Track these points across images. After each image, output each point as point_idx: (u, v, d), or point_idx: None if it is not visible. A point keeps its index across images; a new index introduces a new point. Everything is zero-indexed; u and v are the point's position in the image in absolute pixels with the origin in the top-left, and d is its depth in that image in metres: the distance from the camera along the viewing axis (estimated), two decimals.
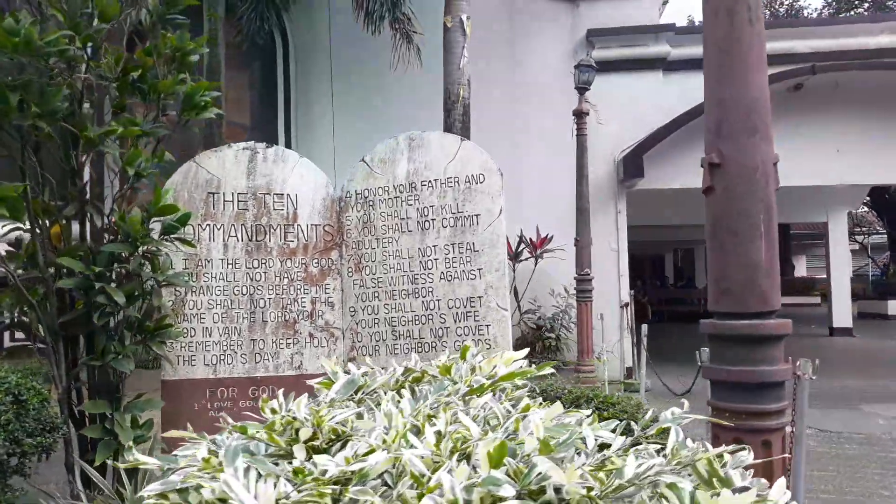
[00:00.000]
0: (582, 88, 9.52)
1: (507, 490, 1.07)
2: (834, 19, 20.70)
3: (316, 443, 1.36)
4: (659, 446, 1.60)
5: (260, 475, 1.20)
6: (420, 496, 1.08)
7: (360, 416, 1.47)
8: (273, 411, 1.48)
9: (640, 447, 1.55)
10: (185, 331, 3.82)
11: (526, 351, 1.82)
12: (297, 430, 1.37)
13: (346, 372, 1.81)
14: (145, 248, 3.42)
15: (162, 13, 3.67)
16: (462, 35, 9.43)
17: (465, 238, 4.14)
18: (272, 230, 4.12)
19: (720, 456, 1.48)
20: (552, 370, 1.79)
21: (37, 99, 3.13)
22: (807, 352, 12.97)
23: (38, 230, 3.33)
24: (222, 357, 3.88)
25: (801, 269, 33.79)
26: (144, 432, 3.35)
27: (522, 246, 10.12)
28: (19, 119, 3.13)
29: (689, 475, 1.34)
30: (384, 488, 1.16)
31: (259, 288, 4.01)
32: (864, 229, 32.29)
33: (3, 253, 3.38)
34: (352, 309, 4.22)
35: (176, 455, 1.46)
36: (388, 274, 4.20)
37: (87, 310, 3.31)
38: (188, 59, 3.81)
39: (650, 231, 21.13)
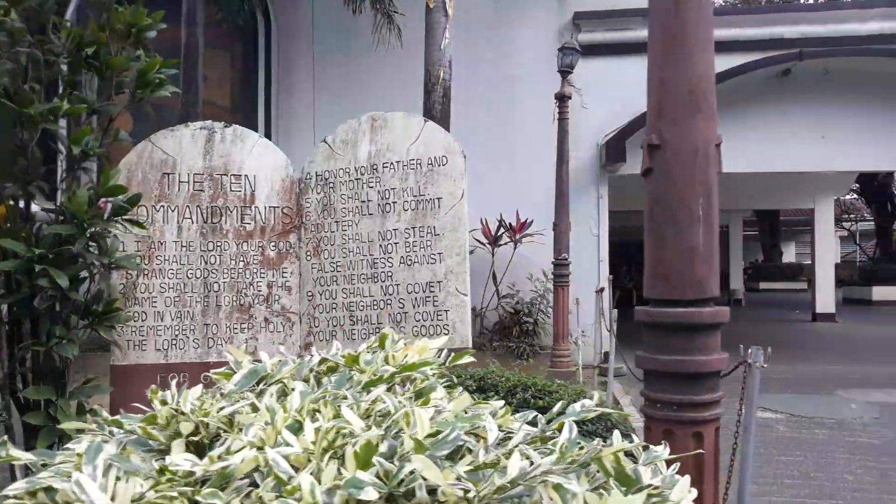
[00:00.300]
0: (565, 72, 9.40)
1: (370, 493, 1.00)
2: (824, 4, 20.54)
3: (198, 437, 1.29)
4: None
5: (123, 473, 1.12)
6: (278, 498, 1.01)
7: (255, 408, 1.40)
8: (163, 402, 1.41)
9: (553, 441, 1.49)
10: (135, 315, 3.74)
11: (444, 339, 1.75)
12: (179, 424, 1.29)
13: (300, 357, 1.75)
14: (93, 229, 3.33)
15: None
16: (444, 16, 9.30)
17: (427, 221, 4.06)
18: (228, 212, 4.03)
19: (628, 453, 1.42)
20: (471, 359, 1.73)
21: None
22: (788, 337, 12.97)
23: None
24: (174, 342, 3.80)
25: (789, 255, 33.83)
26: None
27: (502, 230, 10.04)
28: None
29: (591, 473, 1.27)
30: (250, 489, 1.10)
31: (214, 271, 3.93)
32: (852, 216, 32.33)
33: None
34: (309, 293, 4.14)
35: (67, 448, 1.39)
36: (348, 258, 4.13)
37: (31, 293, 3.23)
38: (144, 36, 3.71)
39: (638, 216, 21.07)
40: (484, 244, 10.06)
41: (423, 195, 4.07)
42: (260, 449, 1.16)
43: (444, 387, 1.71)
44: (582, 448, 1.20)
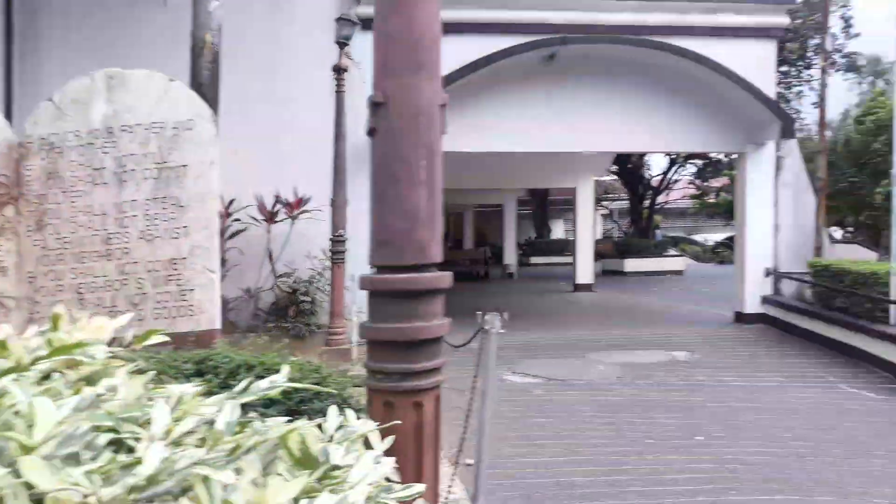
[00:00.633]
0: (342, 43, 9.22)
1: None
2: None
3: None
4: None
5: None
6: None
7: None
8: None
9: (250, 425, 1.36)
10: None
11: (128, 317, 1.55)
12: None
13: None
14: None
15: None
16: None
17: (170, 192, 3.72)
18: None
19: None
20: (165, 338, 1.54)
21: None
22: (551, 307, 14.00)
23: None
24: None
25: (558, 231, 36.81)
26: None
27: (279, 206, 9.70)
28: None
29: (267, 457, 1.17)
30: None
31: None
32: (612, 196, 35.90)
33: None
34: (30, 274, 3.63)
35: None
36: (77, 233, 3.66)
37: None
38: None
39: None
40: (260, 221, 9.65)
41: (166, 162, 3.72)
42: None
43: (137, 372, 1.51)
44: (239, 433, 1.08)
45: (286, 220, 9.79)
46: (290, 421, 1.60)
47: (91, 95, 3.85)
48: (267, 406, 2.23)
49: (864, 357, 8.37)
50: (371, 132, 2.14)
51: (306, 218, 9.70)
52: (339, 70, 9.12)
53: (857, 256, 10.94)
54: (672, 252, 27.61)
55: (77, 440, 0.94)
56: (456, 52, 10.79)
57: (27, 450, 0.90)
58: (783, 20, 11.67)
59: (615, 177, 29.60)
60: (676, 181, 29.35)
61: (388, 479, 1.54)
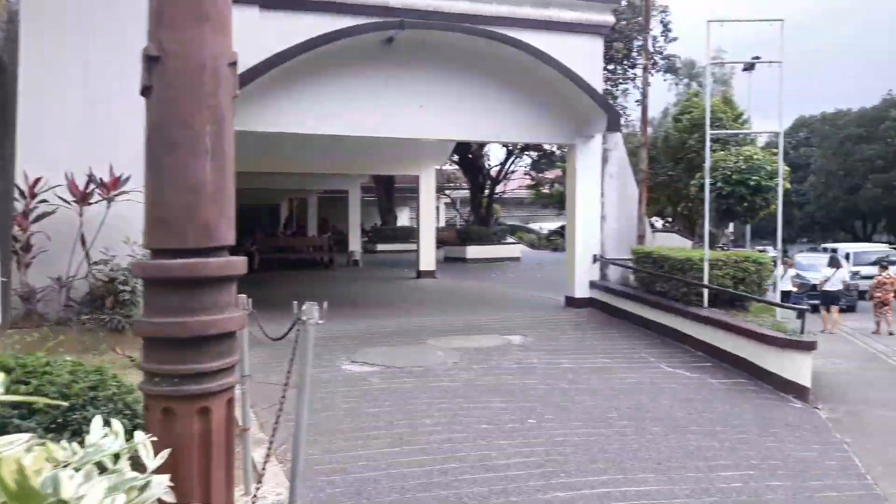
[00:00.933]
0: None
1: None
2: None
3: None
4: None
5: None
6: None
7: None
8: None
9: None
10: None
11: None
12: None
13: None
14: None
15: None
16: None
17: None
18: None
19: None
20: None
21: None
22: (394, 294, 13.95)
23: None
24: None
25: (404, 219, 36.93)
26: None
27: (93, 186, 8.78)
28: None
29: None
30: None
31: None
32: (453, 185, 36.53)
33: None
34: None
35: None
36: None
37: None
38: None
39: (265, 179, 20.74)
40: (70, 203, 8.69)
41: None
42: None
43: None
44: None
45: (102, 201, 8.89)
46: (43, 436, 1.30)
47: None
48: (25, 418, 1.86)
49: (681, 338, 9.01)
50: (145, 91, 1.82)
51: (125, 199, 8.83)
52: None
53: (675, 244, 11.79)
54: (510, 240, 28.66)
55: None
56: (293, 30, 10.39)
57: None
58: (609, 18, 12.28)
59: (457, 166, 30.14)
60: (514, 172, 30.42)
61: (160, 502, 1.29)
